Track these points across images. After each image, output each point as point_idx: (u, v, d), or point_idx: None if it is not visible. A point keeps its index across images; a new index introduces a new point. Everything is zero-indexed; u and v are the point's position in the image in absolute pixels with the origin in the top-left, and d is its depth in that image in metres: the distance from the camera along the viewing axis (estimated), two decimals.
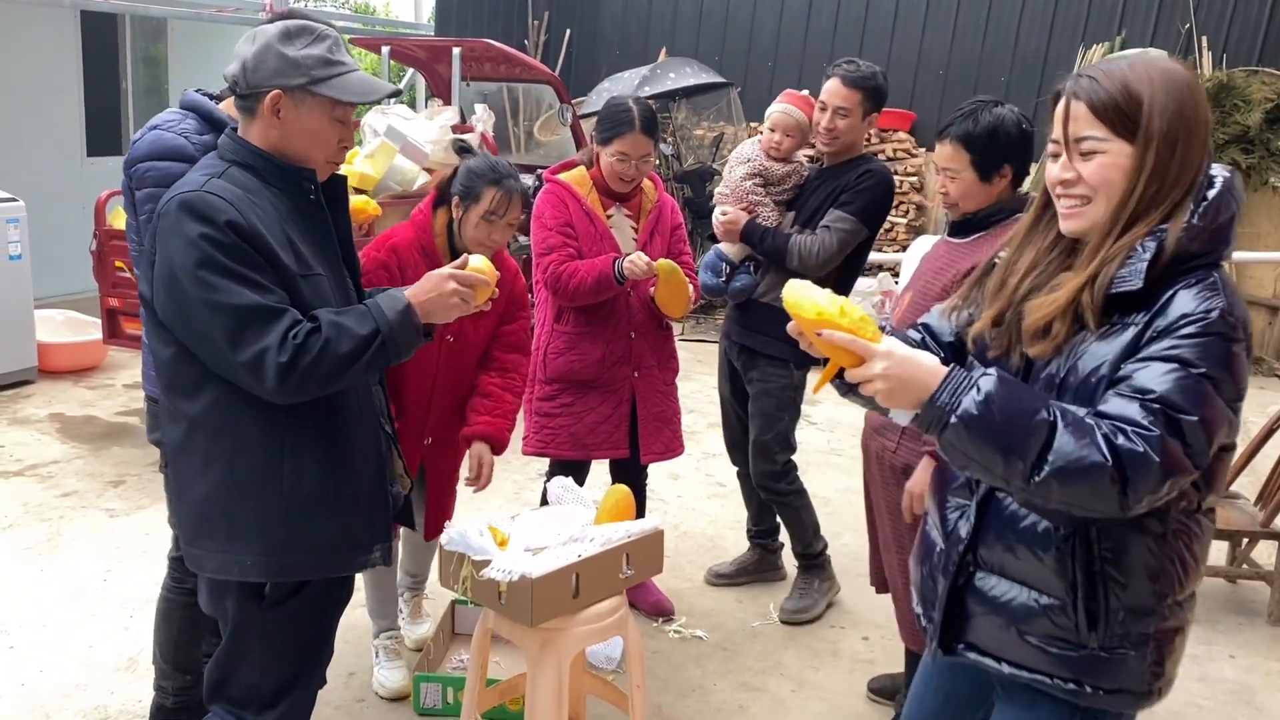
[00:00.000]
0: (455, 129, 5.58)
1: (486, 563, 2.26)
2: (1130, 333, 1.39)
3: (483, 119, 6.13)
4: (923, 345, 1.64)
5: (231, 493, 1.85)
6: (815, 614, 3.53)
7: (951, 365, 1.39)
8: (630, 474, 3.25)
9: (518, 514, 2.57)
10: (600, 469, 3.33)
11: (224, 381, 1.81)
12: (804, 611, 3.51)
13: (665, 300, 3.07)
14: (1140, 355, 1.36)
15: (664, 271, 2.98)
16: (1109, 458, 1.29)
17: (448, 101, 6.71)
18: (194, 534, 1.91)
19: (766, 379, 3.37)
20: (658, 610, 3.49)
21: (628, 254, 3.01)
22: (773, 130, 3.31)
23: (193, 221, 1.74)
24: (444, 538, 2.36)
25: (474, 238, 2.69)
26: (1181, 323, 1.35)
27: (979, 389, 1.34)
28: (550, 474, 3.23)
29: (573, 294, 3.03)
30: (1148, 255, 1.38)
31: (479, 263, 2.03)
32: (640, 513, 3.45)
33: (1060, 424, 1.32)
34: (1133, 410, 1.32)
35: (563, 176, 3.15)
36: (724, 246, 3.36)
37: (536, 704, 2.32)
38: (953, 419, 1.34)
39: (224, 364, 1.77)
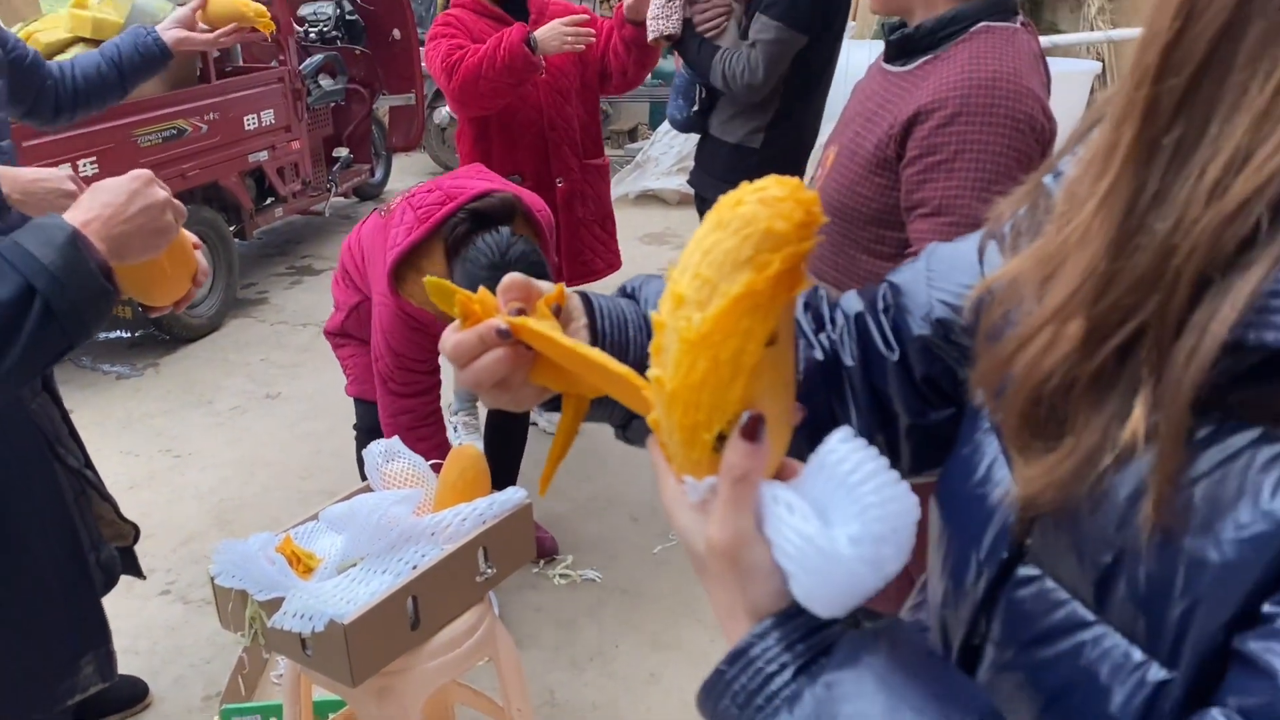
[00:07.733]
0: None
1: (279, 601, 1.56)
2: None
3: None
4: (871, 358, 0.82)
5: None
6: None
7: (774, 619, 0.53)
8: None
9: (320, 508, 1.83)
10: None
11: None
12: None
13: None
14: None
15: None
16: None
17: None
18: None
19: None
20: (538, 552, 2.88)
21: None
22: None
23: None
24: (214, 567, 1.63)
25: None
26: None
27: (824, 689, 0.51)
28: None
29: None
30: None
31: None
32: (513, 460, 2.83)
33: None
34: None
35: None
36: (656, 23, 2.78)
37: None
38: None
39: None
